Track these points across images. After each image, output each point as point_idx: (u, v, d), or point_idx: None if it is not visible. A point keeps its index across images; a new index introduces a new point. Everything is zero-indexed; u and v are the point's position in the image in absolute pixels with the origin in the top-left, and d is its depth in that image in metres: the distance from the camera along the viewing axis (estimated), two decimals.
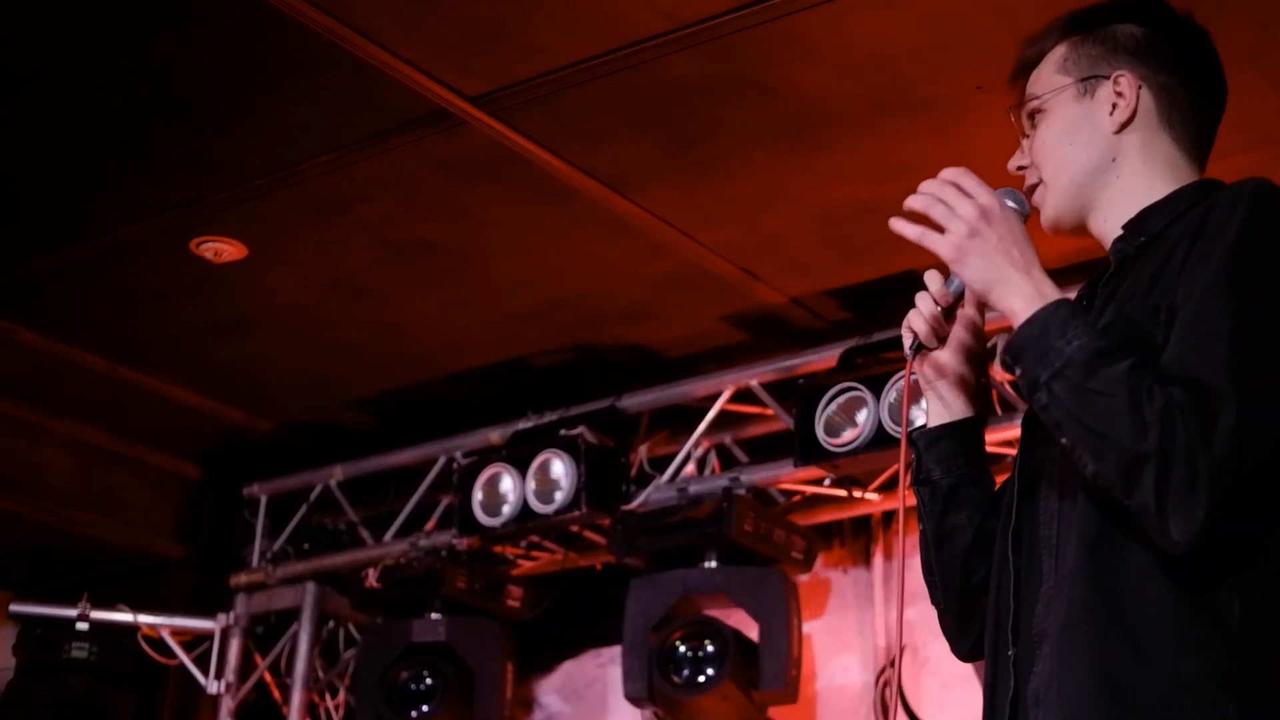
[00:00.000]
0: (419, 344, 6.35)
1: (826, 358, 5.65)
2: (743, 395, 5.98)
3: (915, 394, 2.63)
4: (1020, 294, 2.29)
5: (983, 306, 2.54)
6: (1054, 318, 2.24)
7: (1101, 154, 2.53)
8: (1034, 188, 2.59)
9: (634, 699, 5.85)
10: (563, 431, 6.06)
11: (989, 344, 2.79)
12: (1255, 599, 2.16)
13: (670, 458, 6.11)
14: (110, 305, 6.12)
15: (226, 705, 6.78)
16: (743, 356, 6.08)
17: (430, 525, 6.63)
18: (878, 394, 5.35)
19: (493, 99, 4.74)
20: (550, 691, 6.89)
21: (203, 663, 6.77)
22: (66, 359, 6.48)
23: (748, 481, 5.84)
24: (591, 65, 4.54)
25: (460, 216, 5.41)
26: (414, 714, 6.23)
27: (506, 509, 6.07)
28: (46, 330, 6.32)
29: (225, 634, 6.87)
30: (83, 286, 5.96)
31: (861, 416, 5.40)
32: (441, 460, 6.62)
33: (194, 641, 6.80)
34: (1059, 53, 2.61)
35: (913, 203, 2.40)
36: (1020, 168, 2.63)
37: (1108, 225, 2.53)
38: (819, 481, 5.86)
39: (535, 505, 5.99)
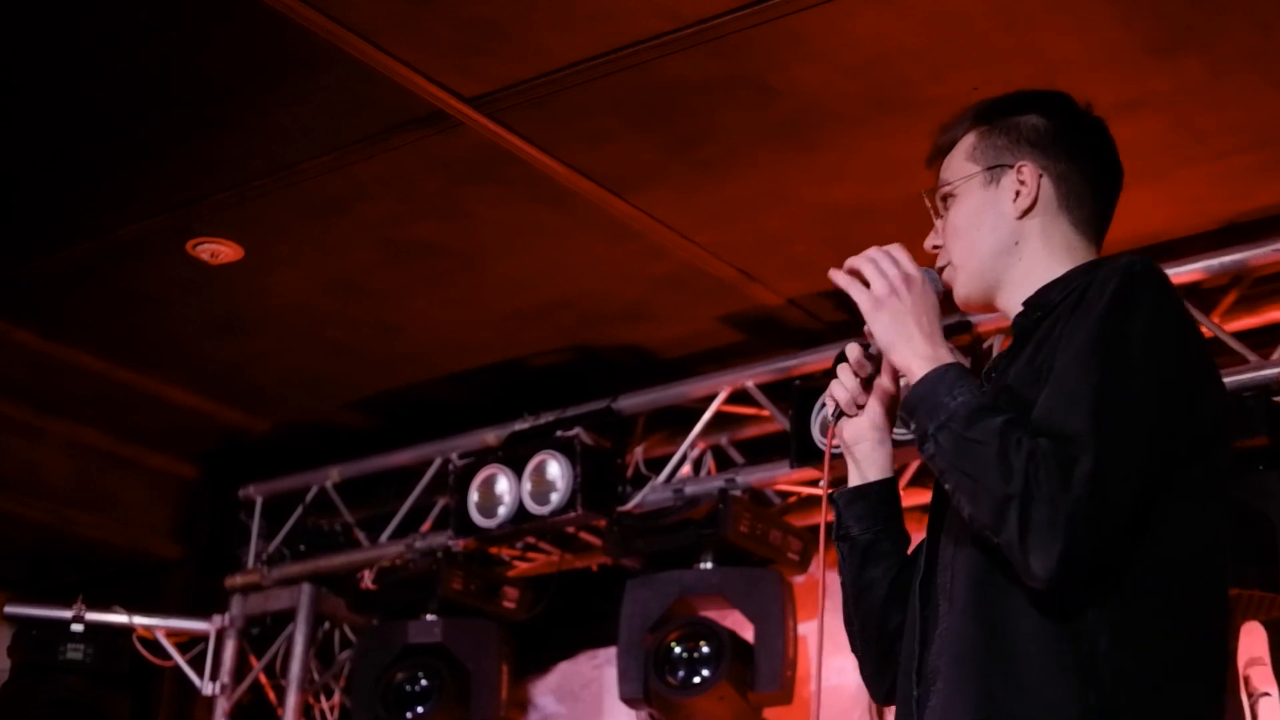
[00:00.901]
0: (416, 344, 6.35)
1: (823, 359, 5.65)
2: (739, 396, 5.98)
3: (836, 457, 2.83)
4: (919, 355, 2.51)
5: (897, 379, 2.74)
6: (944, 378, 2.46)
7: (1006, 238, 2.72)
8: (945, 267, 2.77)
9: (629, 700, 5.85)
10: (559, 432, 6.06)
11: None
12: (1123, 631, 2.35)
13: (666, 459, 6.12)
14: (108, 306, 6.11)
15: (221, 707, 6.78)
16: (739, 357, 6.09)
17: (426, 526, 6.63)
18: None
19: (491, 100, 4.75)
20: (546, 692, 6.89)
21: (198, 664, 6.76)
22: (64, 359, 6.48)
23: (744, 482, 5.84)
24: (590, 66, 4.55)
25: (458, 217, 5.42)
26: (410, 715, 6.24)
27: (502, 510, 6.07)
28: (44, 331, 6.32)
29: (220, 635, 6.86)
30: (80, 287, 5.96)
31: None
32: (438, 461, 6.61)
33: (189, 643, 6.79)
34: (969, 141, 2.80)
35: (853, 261, 2.61)
36: (935, 247, 2.80)
37: (1012, 303, 2.72)
38: (815, 483, 5.86)
39: (531, 506, 6.00)
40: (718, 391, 5.99)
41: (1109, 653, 2.33)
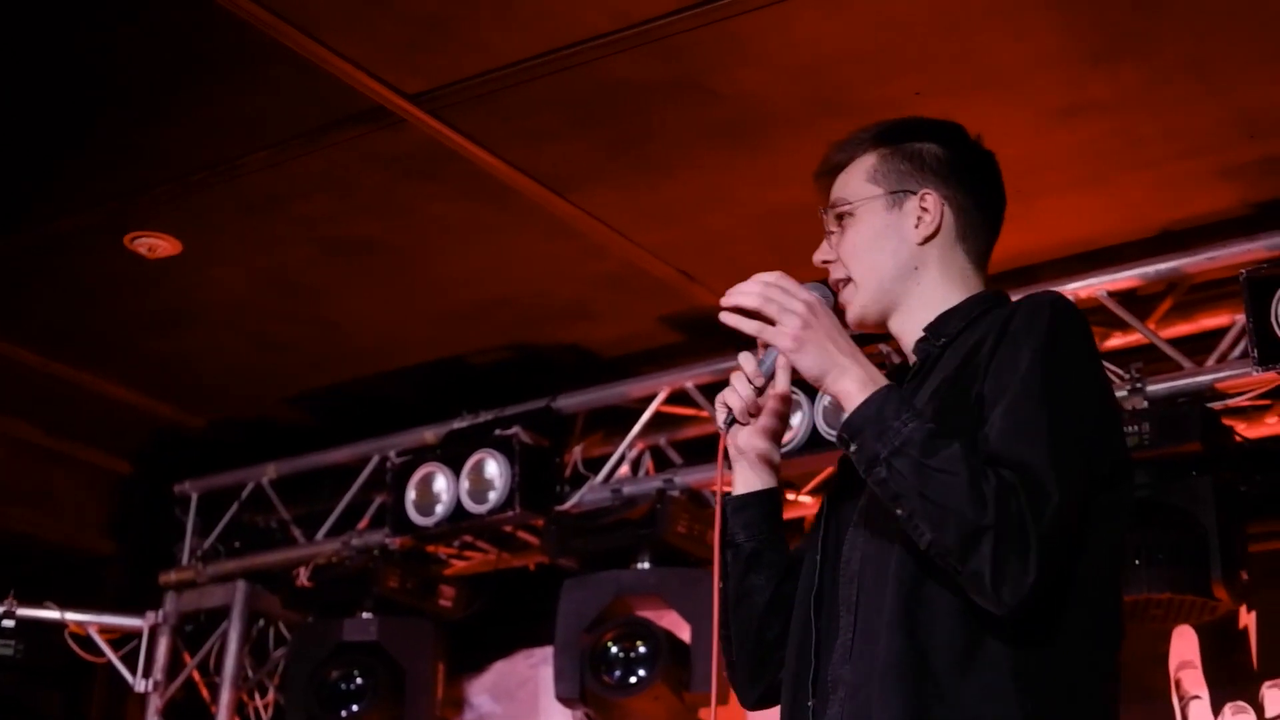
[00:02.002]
0: (354, 341, 6.33)
1: None
2: (678, 397, 5.99)
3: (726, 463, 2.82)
4: (853, 378, 2.50)
5: (787, 398, 2.81)
6: (888, 400, 2.46)
7: (907, 262, 2.78)
8: (840, 283, 2.81)
9: (565, 699, 5.85)
10: (497, 431, 6.05)
11: None
12: (1050, 647, 2.44)
13: (605, 458, 6.12)
14: (44, 299, 6.06)
15: (154, 704, 6.73)
16: (679, 358, 6.10)
17: (363, 524, 6.61)
18: (813, 398, 5.40)
19: (433, 97, 4.74)
20: (482, 691, 6.88)
21: (131, 661, 6.71)
22: None
23: (682, 483, 5.85)
24: (533, 64, 4.54)
25: (398, 214, 5.40)
26: (344, 713, 6.20)
27: (440, 508, 6.06)
28: None
29: (154, 632, 6.81)
30: (16, 280, 5.90)
31: (796, 420, 5.43)
32: (375, 459, 6.60)
33: (122, 639, 6.74)
34: (869, 162, 2.84)
35: (744, 300, 2.57)
36: (825, 262, 2.84)
37: (907, 326, 2.78)
38: None
39: (469, 505, 5.99)
40: (657, 392, 5.99)
41: (1038, 670, 2.42)
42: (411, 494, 6.13)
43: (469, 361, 6.49)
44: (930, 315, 2.75)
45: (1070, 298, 5.13)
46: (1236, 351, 5.00)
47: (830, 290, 2.76)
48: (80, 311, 6.16)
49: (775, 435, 2.83)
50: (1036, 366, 2.48)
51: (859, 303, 2.78)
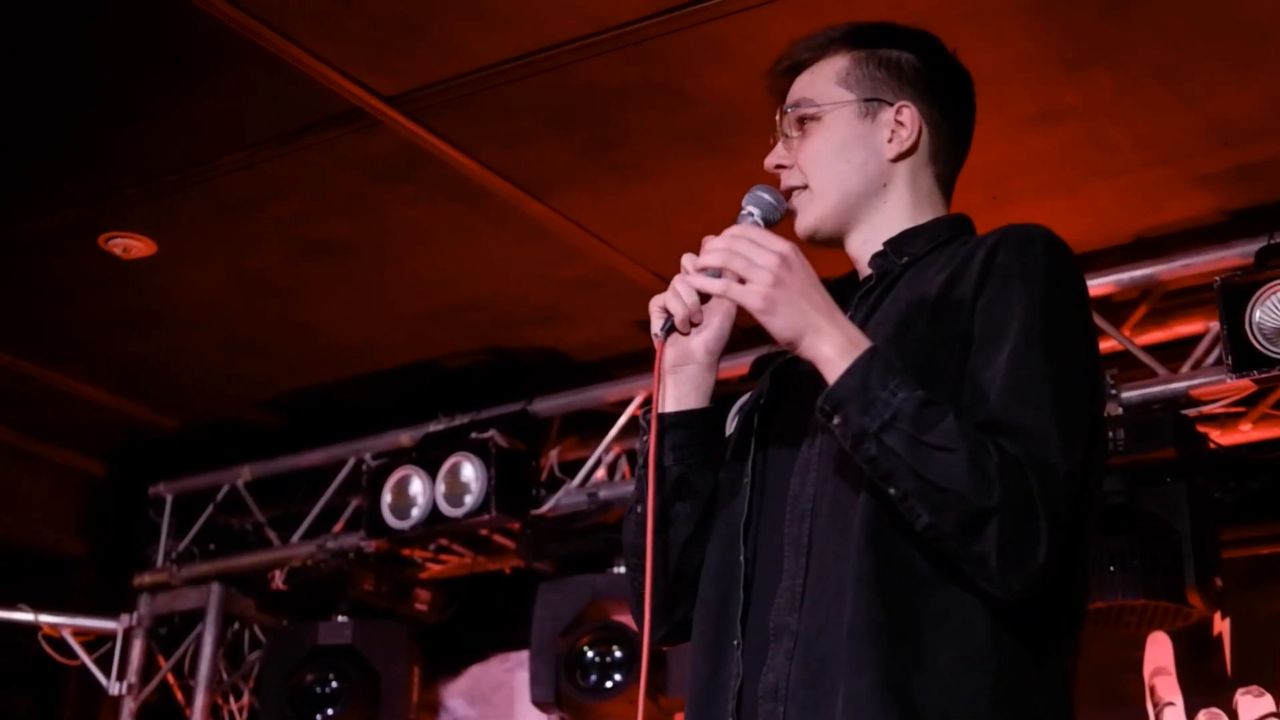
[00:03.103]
0: (330, 344, 6.32)
1: (739, 364, 5.64)
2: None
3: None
4: (832, 342, 2.27)
5: (731, 310, 2.54)
6: (872, 367, 2.24)
7: (875, 177, 2.59)
8: (795, 190, 2.60)
9: (541, 704, 5.85)
10: (473, 434, 6.04)
11: None
12: (1023, 621, 2.24)
13: (581, 462, 6.12)
14: (17, 299, 6.04)
15: (128, 707, 6.72)
16: (655, 362, 6.07)
17: (338, 527, 6.60)
18: None
19: (408, 99, 4.73)
20: (457, 695, 6.87)
21: (104, 663, 6.70)
22: None
23: None
24: (508, 67, 4.54)
25: (373, 216, 5.39)
26: (319, 717, 6.21)
27: (415, 512, 6.05)
28: None
29: (128, 634, 6.80)
30: None
31: None
32: (351, 462, 6.59)
33: (96, 642, 6.73)
34: (840, 64, 2.65)
35: (708, 260, 2.36)
36: (780, 167, 2.63)
37: (864, 243, 2.58)
38: None
39: (444, 508, 5.98)
40: (633, 396, 5.99)
41: (1013, 638, 2.25)
42: (387, 497, 6.12)
43: (444, 364, 6.48)
44: (891, 233, 2.57)
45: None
46: (1211, 358, 5.01)
47: (781, 197, 2.55)
48: (54, 312, 6.14)
49: (717, 347, 2.55)
50: (1035, 318, 2.28)
51: (815, 213, 2.58)
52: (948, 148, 2.65)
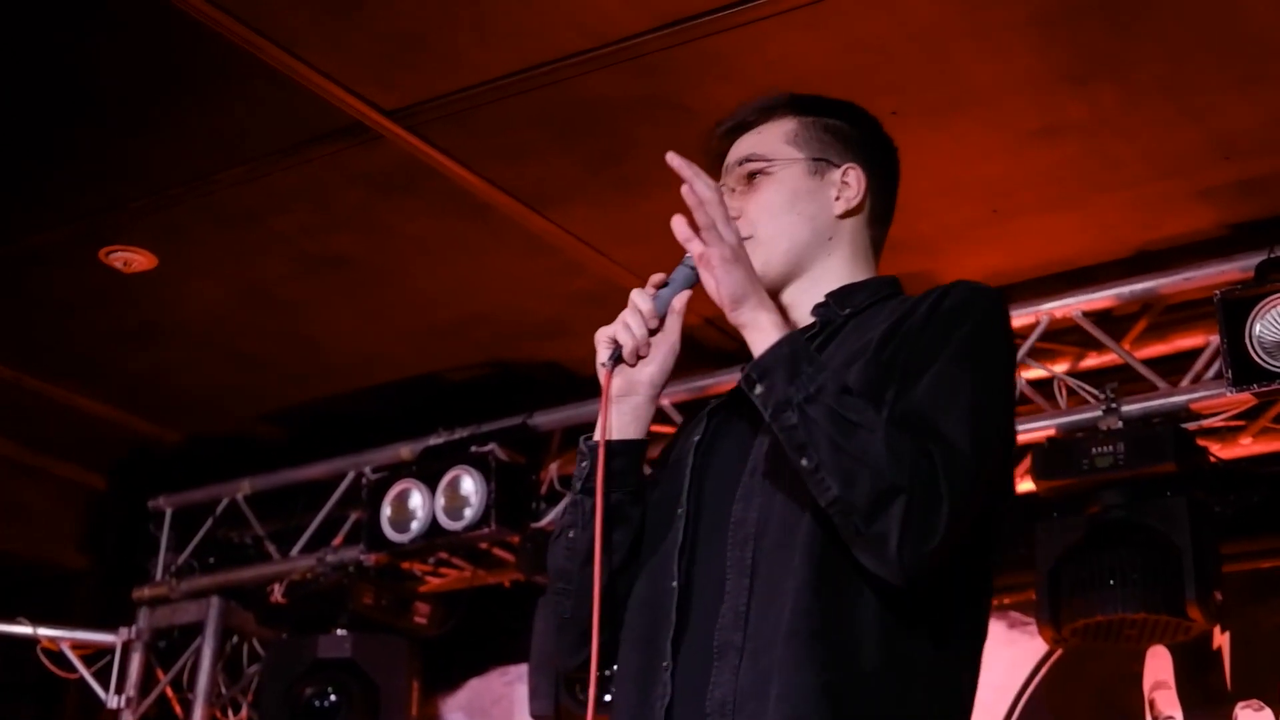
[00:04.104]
0: (330, 357, 6.32)
1: (738, 378, 5.66)
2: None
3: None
4: (769, 313, 2.43)
5: (675, 345, 2.64)
6: (804, 346, 2.39)
7: (821, 231, 2.74)
8: (742, 240, 2.67)
9: (540, 717, 5.84)
10: (473, 448, 6.04)
11: None
12: (944, 631, 2.41)
13: None
14: (18, 313, 6.04)
15: None
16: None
17: (338, 540, 6.59)
18: None
19: (410, 113, 4.73)
20: (456, 709, 6.87)
21: (103, 677, 6.69)
22: None
23: None
24: (510, 81, 4.54)
25: (375, 230, 5.39)
26: None
27: (415, 525, 6.04)
28: None
29: (127, 648, 6.79)
30: None
31: None
32: (350, 475, 6.58)
33: (95, 655, 6.72)
34: (788, 126, 2.81)
35: (701, 190, 2.47)
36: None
37: (805, 296, 2.72)
38: None
39: (444, 522, 5.97)
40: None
41: (935, 646, 2.39)
42: (387, 510, 6.11)
43: (445, 378, 6.48)
44: (831, 287, 2.72)
45: (1045, 317, 5.21)
46: (1211, 372, 5.01)
47: None
48: (55, 325, 6.14)
49: (660, 381, 2.64)
50: (967, 343, 2.45)
51: (762, 259, 2.65)
52: (881, 213, 2.83)
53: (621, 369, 2.60)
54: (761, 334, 2.40)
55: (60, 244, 5.51)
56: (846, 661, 2.31)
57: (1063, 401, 5.29)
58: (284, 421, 6.92)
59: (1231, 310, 4.71)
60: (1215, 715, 5.29)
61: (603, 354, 2.58)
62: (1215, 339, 4.88)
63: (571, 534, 2.64)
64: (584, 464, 2.63)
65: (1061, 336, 5.45)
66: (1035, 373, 5.42)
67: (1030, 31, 4.24)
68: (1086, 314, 5.25)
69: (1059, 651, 5.56)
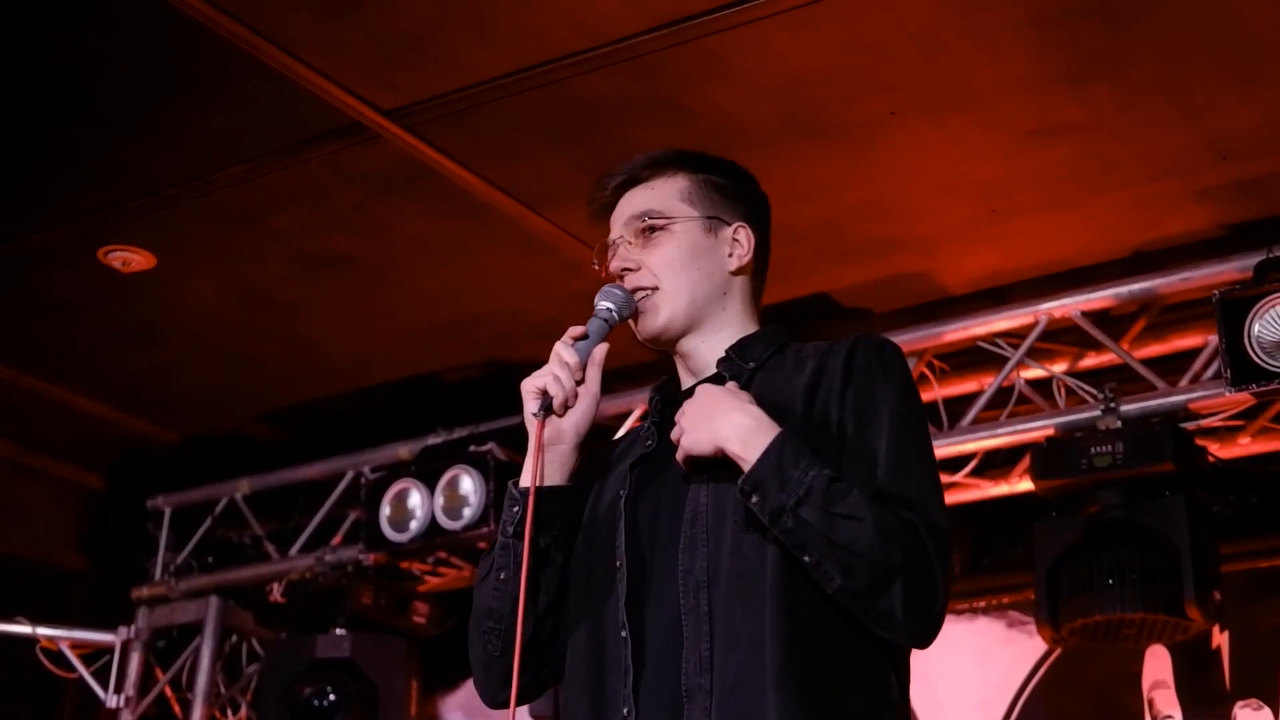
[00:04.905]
0: (329, 357, 6.32)
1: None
2: None
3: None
4: (742, 439, 2.56)
5: (595, 395, 2.80)
6: (784, 450, 2.53)
7: (718, 286, 2.89)
8: (643, 291, 2.85)
9: (539, 717, 5.82)
10: (472, 448, 6.04)
11: None
12: (898, 667, 2.62)
13: None
14: (16, 313, 6.04)
15: (126, 719, 6.70)
16: (653, 376, 6.04)
17: (337, 540, 6.59)
18: None
19: (408, 113, 4.73)
20: (455, 709, 6.86)
21: (102, 676, 6.69)
22: None
23: None
24: (508, 81, 4.54)
25: (373, 230, 5.39)
26: None
27: (414, 525, 6.05)
28: None
29: (126, 647, 6.79)
30: None
31: None
32: (349, 475, 6.59)
33: (94, 655, 6.72)
34: (680, 183, 2.94)
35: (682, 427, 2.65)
36: (627, 270, 2.87)
37: (706, 345, 2.87)
38: None
39: (443, 521, 5.98)
40: (631, 409, 5.99)
41: (895, 685, 2.60)
42: (386, 510, 6.12)
43: (444, 378, 6.48)
44: (728, 340, 2.86)
45: (1044, 317, 5.21)
46: (1209, 372, 5.01)
47: (631, 296, 2.83)
48: (53, 325, 6.14)
49: (581, 432, 2.79)
50: (899, 407, 2.65)
51: (666, 312, 2.83)
52: (762, 267, 2.98)
53: (550, 419, 2.73)
54: (748, 457, 2.54)
55: (59, 244, 5.51)
56: (834, 708, 2.50)
57: (1061, 401, 5.30)
58: (283, 421, 6.92)
59: (1230, 310, 4.71)
60: (1214, 714, 5.29)
61: (532, 405, 2.74)
62: (1214, 339, 4.89)
63: (503, 575, 2.74)
64: (515, 509, 2.74)
65: (1060, 336, 5.45)
66: (1034, 373, 5.42)
67: (1028, 32, 4.24)
68: (1085, 314, 5.26)
69: (1058, 651, 5.56)
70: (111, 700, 6.68)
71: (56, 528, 7.34)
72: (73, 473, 7.36)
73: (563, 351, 2.76)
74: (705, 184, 2.93)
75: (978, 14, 4.19)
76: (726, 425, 2.58)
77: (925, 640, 2.54)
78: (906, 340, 5.40)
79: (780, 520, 2.49)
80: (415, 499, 6.08)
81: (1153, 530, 4.83)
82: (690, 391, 2.79)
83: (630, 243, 2.90)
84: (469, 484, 5.96)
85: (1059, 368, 5.43)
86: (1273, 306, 4.65)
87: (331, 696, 6.23)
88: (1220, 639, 5.35)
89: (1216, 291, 4.79)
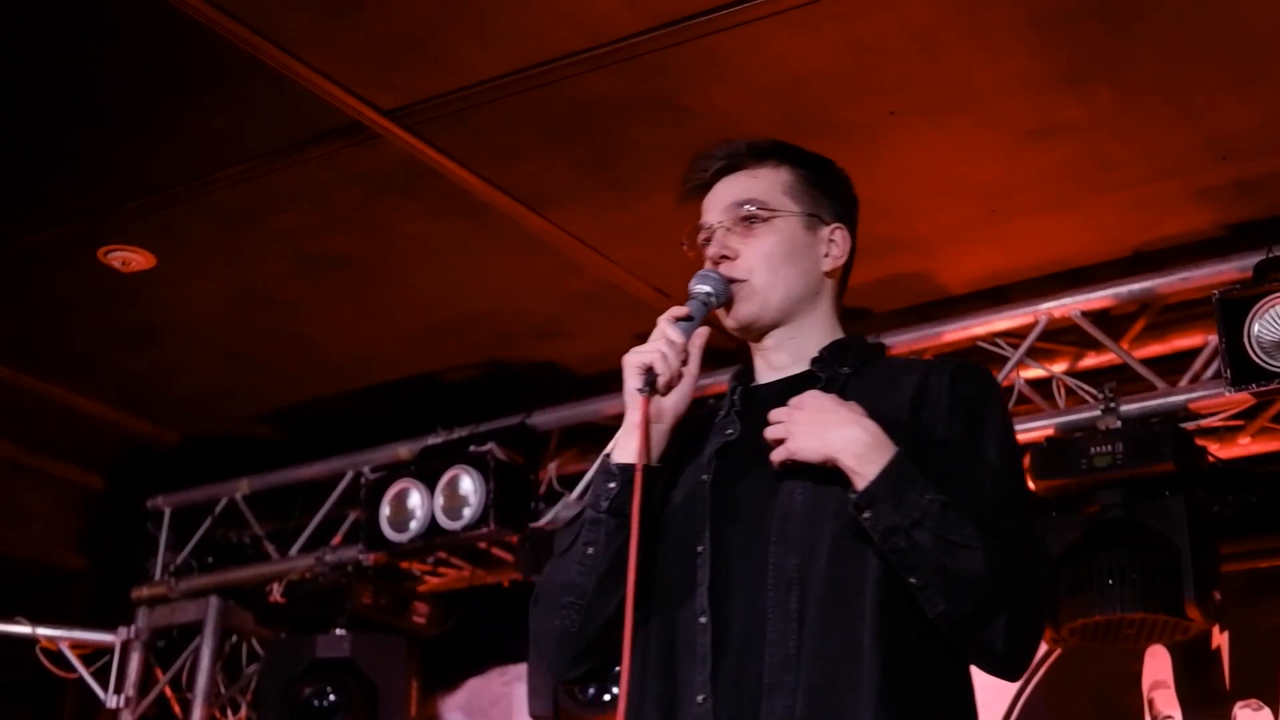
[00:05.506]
0: (329, 357, 6.31)
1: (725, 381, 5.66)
2: None
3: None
4: (857, 455, 2.54)
5: (695, 375, 2.74)
6: (902, 470, 2.53)
7: (811, 285, 2.87)
8: (736, 281, 2.82)
9: (539, 717, 5.83)
10: (472, 448, 6.04)
11: None
12: (969, 681, 2.65)
13: (580, 475, 6.11)
14: (16, 312, 6.04)
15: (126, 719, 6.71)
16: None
17: (337, 540, 6.59)
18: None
19: (408, 113, 4.73)
20: (455, 709, 6.86)
21: (102, 676, 6.69)
22: None
23: None
24: (508, 81, 4.54)
25: (373, 230, 5.39)
26: None
27: (414, 525, 6.04)
28: None
29: (126, 647, 6.79)
30: None
31: None
32: (349, 475, 6.58)
33: (94, 655, 6.72)
34: (784, 176, 2.90)
35: (774, 431, 2.64)
36: (724, 257, 2.83)
37: (792, 343, 2.85)
38: None
39: (443, 521, 5.97)
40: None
41: (974, 709, 2.64)
42: (386, 510, 6.11)
43: (444, 378, 6.48)
44: (815, 341, 2.85)
45: (1044, 317, 5.21)
46: (1209, 372, 5.01)
47: (726, 282, 2.79)
48: (53, 325, 6.14)
49: (679, 414, 2.73)
50: (1008, 442, 2.70)
51: (757, 305, 2.81)
52: (848, 273, 2.97)
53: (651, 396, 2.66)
54: (865, 473, 2.53)
55: (59, 243, 5.51)
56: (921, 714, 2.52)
57: (1061, 401, 5.30)
58: (282, 421, 6.92)
59: (1230, 310, 4.71)
60: (1214, 715, 5.29)
61: (635, 381, 2.66)
62: (1214, 339, 4.88)
63: (590, 550, 2.68)
64: (610, 485, 2.67)
65: (1060, 336, 5.45)
66: (1034, 372, 5.42)
67: (1028, 32, 4.24)
68: (1085, 314, 5.25)
69: (1058, 651, 5.56)
70: (111, 700, 6.68)
71: (56, 528, 7.34)
72: (72, 473, 7.35)
73: (669, 330, 2.69)
74: (807, 180, 2.91)
75: (978, 14, 4.19)
76: (841, 438, 2.56)
77: (1017, 674, 2.59)
78: (906, 340, 5.39)
79: (892, 540, 2.49)
80: (415, 499, 6.08)
81: (1153, 530, 4.83)
82: (777, 387, 2.80)
83: (728, 229, 2.86)
84: (469, 484, 5.96)
85: (1059, 368, 5.43)
86: (1273, 306, 4.65)
87: (331, 696, 6.24)
88: (1220, 639, 5.35)
89: (1216, 291, 4.78)
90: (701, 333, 2.72)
